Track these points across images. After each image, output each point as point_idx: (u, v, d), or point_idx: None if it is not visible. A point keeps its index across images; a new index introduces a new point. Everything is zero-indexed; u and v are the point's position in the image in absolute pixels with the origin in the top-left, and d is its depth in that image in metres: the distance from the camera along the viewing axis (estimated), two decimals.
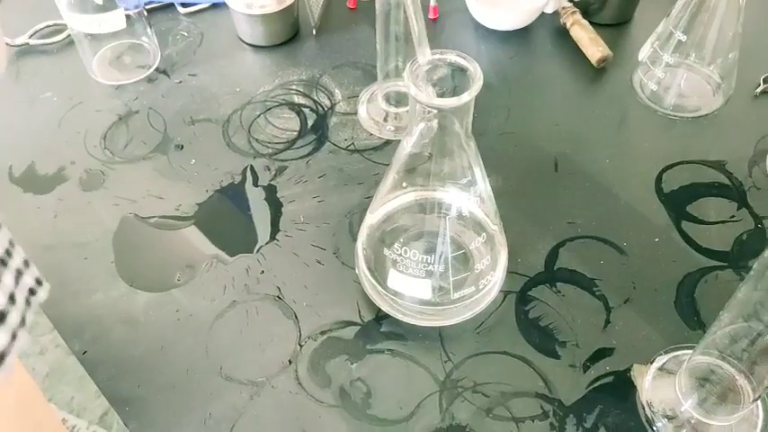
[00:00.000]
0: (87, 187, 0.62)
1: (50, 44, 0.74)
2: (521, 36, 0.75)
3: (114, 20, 0.66)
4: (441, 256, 0.47)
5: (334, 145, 0.65)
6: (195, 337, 0.52)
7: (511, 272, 0.54)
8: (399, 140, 0.65)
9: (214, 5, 0.78)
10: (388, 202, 0.51)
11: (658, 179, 0.62)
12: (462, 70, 0.41)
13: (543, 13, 0.75)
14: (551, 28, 0.76)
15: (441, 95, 0.43)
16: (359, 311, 0.53)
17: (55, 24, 0.75)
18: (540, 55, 0.74)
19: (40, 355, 1.49)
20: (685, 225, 0.58)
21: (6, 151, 0.65)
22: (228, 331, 0.52)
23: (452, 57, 0.42)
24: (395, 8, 0.58)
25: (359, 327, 0.52)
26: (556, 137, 0.65)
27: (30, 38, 0.74)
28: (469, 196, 0.47)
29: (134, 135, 0.66)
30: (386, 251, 0.49)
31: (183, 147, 0.65)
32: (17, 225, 0.59)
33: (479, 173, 0.46)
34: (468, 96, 0.40)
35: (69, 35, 0.74)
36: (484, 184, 0.47)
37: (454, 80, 0.42)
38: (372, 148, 0.65)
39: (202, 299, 0.54)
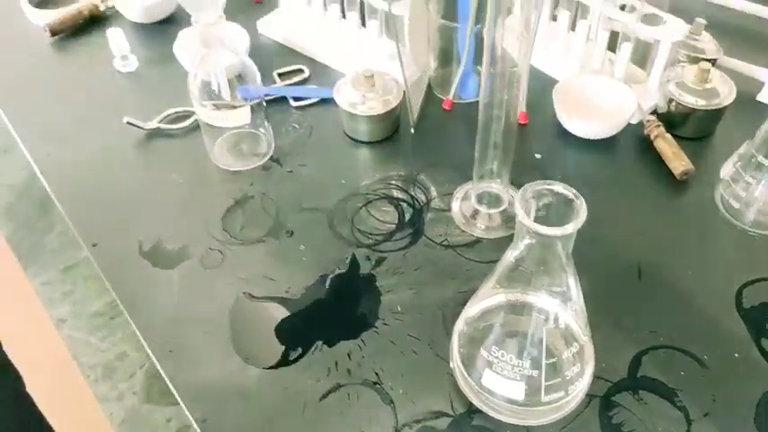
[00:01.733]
0: (207, 265, 0.69)
1: (177, 129, 0.83)
2: (606, 144, 0.80)
3: (240, 116, 0.75)
4: (536, 362, 0.52)
5: (429, 239, 0.71)
6: (301, 414, 0.57)
7: (596, 376, 0.58)
8: (490, 239, 0.70)
9: (323, 101, 0.86)
10: (487, 303, 0.56)
11: (738, 294, 0.65)
12: (568, 201, 0.46)
13: (629, 122, 0.80)
14: (636, 138, 0.80)
15: (543, 217, 0.48)
16: (451, 403, 0.58)
17: (184, 111, 0.85)
18: (624, 164, 0.79)
19: (117, 401, 1.57)
20: (765, 342, 0.61)
21: (138, 226, 0.73)
22: (331, 412, 0.58)
23: (559, 188, 0.47)
24: (495, 121, 0.64)
25: (451, 418, 0.57)
26: (639, 245, 0.69)
27: (159, 122, 0.83)
28: (566, 309, 0.51)
29: (249, 219, 0.74)
30: (483, 351, 0.54)
31: (292, 233, 0.72)
32: (146, 296, 0.67)
33: (575, 288, 0.51)
34: (572, 228, 0.45)
35: (195, 121, 0.83)
36: (578, 298, 0.52)
37: (558, 208, 0.47)
38: (464, 245, 0.70)
39: (308, 379, 0.60)
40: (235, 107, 0.74)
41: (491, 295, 0.55)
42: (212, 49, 0.70)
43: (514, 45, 0.58)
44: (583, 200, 0.46)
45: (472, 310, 0.57)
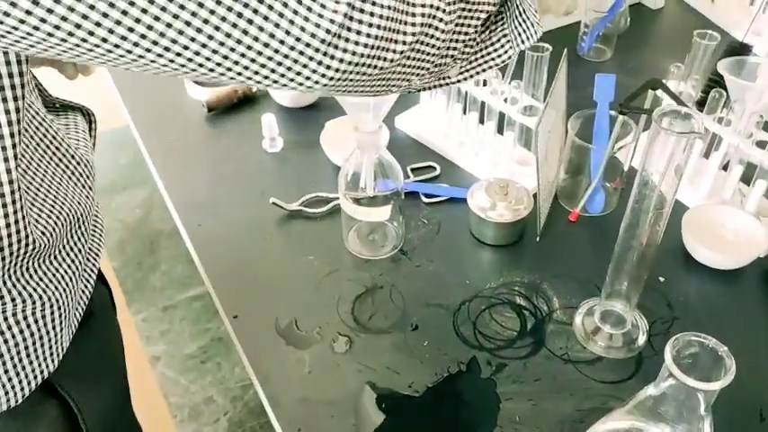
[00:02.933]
0: (336, 350, 0.74)
1: (316, 213, 0.90)
2: (732, 275, 0.81)
3: (383, 213, 0.80)
4: None
5: (550, 351, 0.73)
6: None
7: None
8: (610, 359, 0.72)
9: (452, 199, 0.91)
10: (618, 425, 0.57)
11: None
12: (716, 356, 0.48)
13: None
14: (763, 271, 0.81)
15: (688, 365, 0.50)
16: None
17: (324, 196, 0.91)
18: (749, 297, 0.79)
19: None
20: None
21: (275, 303, 0.79)
22: None
23: (712, 343, 0.49)
24: (634, 249, 0.67)
25: None
26: (761, 385, 0.69)
27: (300, 205, 0.90)
28: None
29: (378, 308, 0.78)
30: None
31: (417, 327, 0.76)
32: (278, 373, 0.72)
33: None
34: (719, 385, 0.46)
35: (333, 206, 0.89)
36: None
37: (704, 360, 0.49)
38: (585, 362, 0.72)
39: None
40: (376, 201, 0.79)
41: (624, 419, 0.56)
42: (365, 151, 0.76)
43: (664, 182, 0.61)
44: (733, 360, 0.48)
45: (601, 428, 0.59)
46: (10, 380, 0.55)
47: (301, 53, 0.43)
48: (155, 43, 0.40)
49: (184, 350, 1.87)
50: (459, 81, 0.58)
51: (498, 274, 0.82)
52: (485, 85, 0.92)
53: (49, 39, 0.38)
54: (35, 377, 0.57)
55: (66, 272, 0.58)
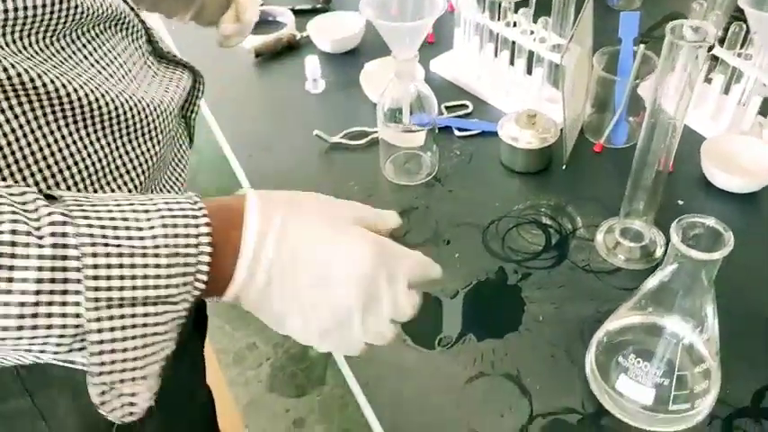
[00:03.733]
0: None
1: (357, 144, 0.97)
2: (748, 198, 0.86)
3: (417, 139, 0.87)
4: (667, 373, 0.59)
5: (573, 263, 0.79)
6: (448, 394, 0.67)
7: (720, 400, 0.63)
8: (629, 269, 0.77)
9: (483, 134, 0.97)
10: (628, 321, 0.63)
11: None
12: (716, 235, 0.54)
13: None
14: None
15: (692, 248, 0.55)
16: (582, 403, 0.65)
17: (363, 130, 0.98)
18: (764, 219, 0.84)
19: (244, 386, 1.73)
20: None
21: None
22: (475, 395, 0.67)
23: (711, 222, 0.54)
24: (648, 166, 0.72)
25: (581, 416, 0.64)
26: None
27: (342, 137, 0.97)
28: (701, 332, 0.58)
29: (413, 226, 0.85)
30: (620, 359, 0.61)
31: (449, 242, 0.83)
32: None
33: (712, 315, 0.58)
34: (719, 255, 0.52)
35: (371, 138, 0.96)
36: (713, 326, 0.58)
37: (706, 241, 0.55)
38: (605, 272, 0.78)
39: (457, 365, 0.69)
40: (412, 131, 0.86)
41: (632, 314, 0.62)
42: (402, 80, 0.83)
43: (673, 100, 0.67)
44: (731, 233, 0.53)
45: (613, 324, 0.65)
46: None
47: None
48: None
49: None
50: None
51: (526, 198, 0.88)
52: (515, 25, 0.97)
53: None
54: None
55: None
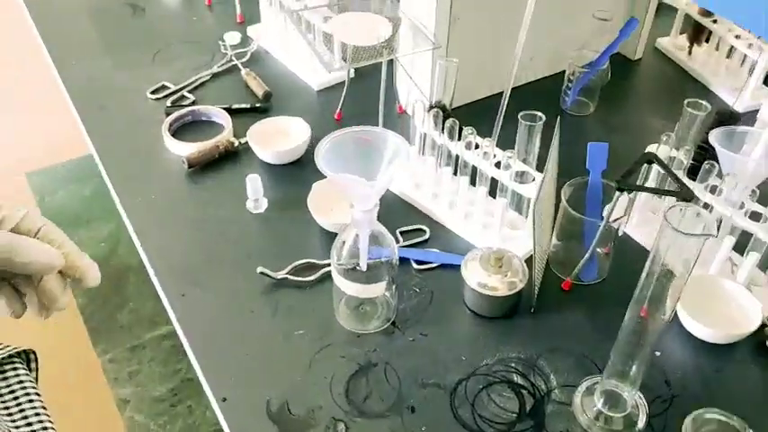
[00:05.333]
0: None
1: (305, 282, 0.87)
2: (728, 348, 0.81)
3: (376, 290, 0.78)
4: None
5: None
6: None
7: None
8: None
9: (443, 266, 0.89)
10: None
11: None
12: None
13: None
14: (756, 343, 0.81)
15: None
16: None
17: (312, 263, 0.88)
18: (745, 370, 0.79)
19: None
20: None
21: (265, 383, 0.76)
22: None
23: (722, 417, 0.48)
24: (646, 322, 0.66)
25: None
26: None
27: (288, 273, 0.87)
28: None
29: (372, 388, 0.76)
30: None
31: (414, 409, 0.74)
32: None
33: None
34: None
35: (322, 275, 0.87)
36: None
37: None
38: None
39: None
40: (369, 274, 0.77)
41: None
42: (361, 229, 0.74)
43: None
44: None
45: None
46: None
47: None
48: None
49: (154, 393, 1.81)
50: None
51: (494, 350, 0.80)
52: (476, 147, 0.91)
53: None
54: None
55: None
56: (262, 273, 0.86)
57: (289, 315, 0.83)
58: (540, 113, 0.84)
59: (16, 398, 0.61)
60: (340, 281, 0.78)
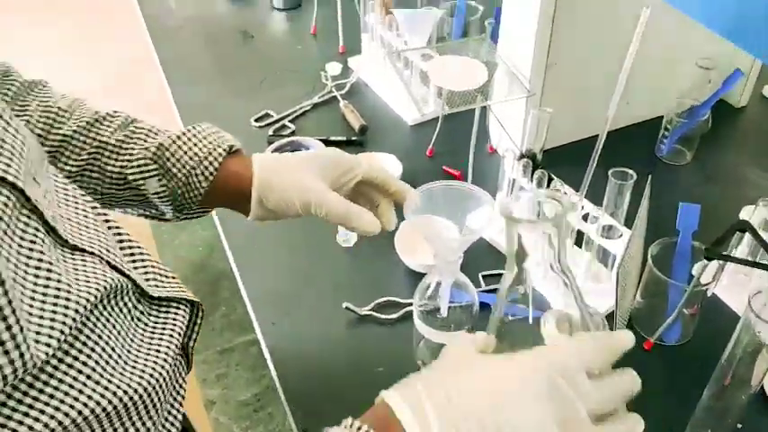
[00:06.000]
0: None
1: (387, 320, 0.90)
2: None
3: (455, 335, 0.80)
4: None
5: None
6: None
7: None
8: None
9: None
10: None
11: None
12: None
13: None
14: None
15: None
16: None
17: (395, 301, 0.92)
18: None
19: None
20: None
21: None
22: None
23: None
24: (733, 390, 0.65)
25: None
26: None
27: (372, 309, 0.91)
28: None
29: None
30: None
31: None
32: None
33: None
34: None
35: (404, 313, 0.90)
36: None
37: None
38: None
39: None
40: (450, 320, 0.80)
41: None
42: (444, 278, 0.77)
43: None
44: None
45: None
46: None
47: None
48: None
49: (239, 396, 1.91)
50: None
51: None
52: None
53: None
54: None
55: None
56: (347, 308, 0.90)
57: (370, 351, 0.87)
58: (631, 172, 0.84)
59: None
60: (420, 323, 0.81)
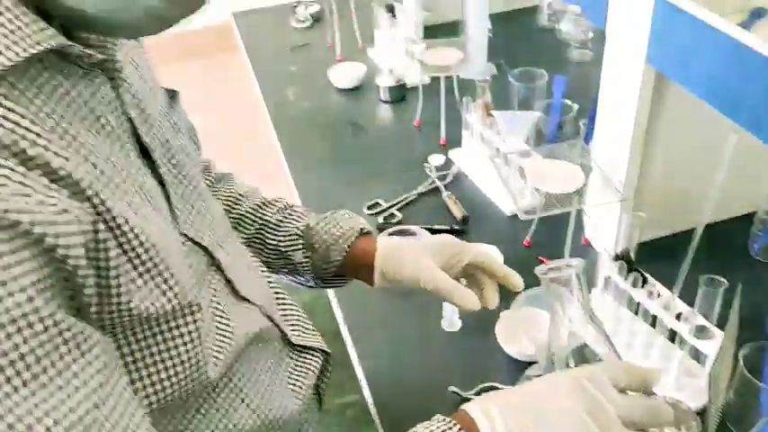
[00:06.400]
0: None
1: None
2: None
3: None
4: None
5: None
6: None
7: None
8: None
9: None
10: None
11: None
12: None
13: None
14: None
15: None
16: None
17: (496, 386, 1.00)
18: None
19: None
20: None
21: None
22: None
23: None
24: None
25: None
26: None
27: (475, 393, 0.99)
28: None
29: None
30: None
31: None
32: None
33: None
34: None
35: None
36: None
37: None
38: None
39: None
40: None
41: None
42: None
43: None
44: None
45: None
46: None
47: None
48: None
49: None
50: None
51: None
52: (659, 296, 0.98)
53: None
54: None
55: None
56: (453, 391, 0.99)
57: None
58: (722, 279, 0.90)
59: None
60: None
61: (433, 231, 1.29)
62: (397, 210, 1.37)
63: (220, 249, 0.71)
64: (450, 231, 1.31)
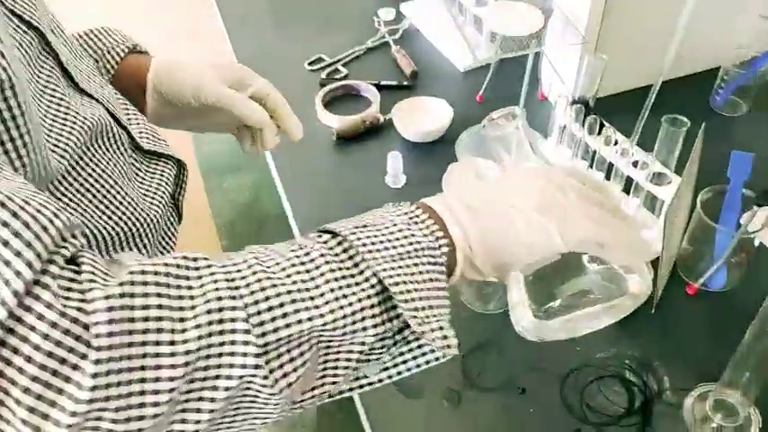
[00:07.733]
0: (447, 403, 0.77)
1: None
2: None
3: None
4: None
5: None
6: None
7: None
8: None
9: None
10: None
11: None
12: None
13: None
14: None
15: None
16: None
17: None
18: None
19: None
20: None
21: None
22: None
23: None
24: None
25: None
26: None
27: None
28: None
29: (487, 366, 0.81)
30: None
31: (524, 390, 0.78)
32: (394, 420, 0.76)
33: None
34: None
35: None
36: None
37: None
38: None
39: None
40: None
41: None
42: None
43: None
44: None
45: None
46: None
47: None
48: None
49: None
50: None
51: (610, 345, 0.83)
52: (615, 144, 0.92)
53: None
54: None
55: None
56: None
57: None
58: (684, 118, 0.84)
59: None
60: None
61: (380, 87, 1.20)
62: (342, 65, 1.26)
63: (53, 35, 0.61)
64: (399, 87, 1.21)
